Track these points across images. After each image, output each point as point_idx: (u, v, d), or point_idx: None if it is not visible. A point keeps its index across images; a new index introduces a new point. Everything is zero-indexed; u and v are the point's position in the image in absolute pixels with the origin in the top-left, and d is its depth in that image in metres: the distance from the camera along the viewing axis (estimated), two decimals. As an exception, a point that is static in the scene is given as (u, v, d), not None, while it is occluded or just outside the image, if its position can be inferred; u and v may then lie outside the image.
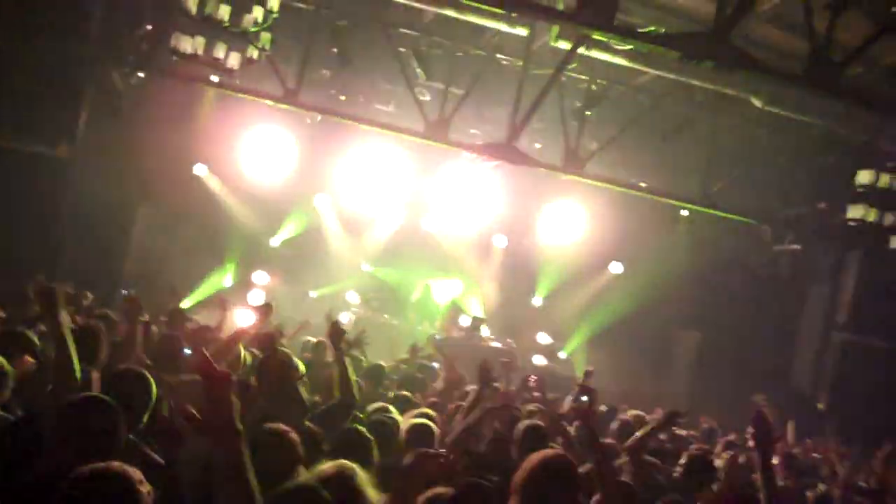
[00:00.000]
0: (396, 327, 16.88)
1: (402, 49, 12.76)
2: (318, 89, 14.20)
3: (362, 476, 4.19)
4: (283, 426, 4.69)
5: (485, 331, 18.33)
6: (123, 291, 11.42)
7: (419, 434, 6.03)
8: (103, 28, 12.40)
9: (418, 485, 3.91)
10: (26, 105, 11.85)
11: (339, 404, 6.25)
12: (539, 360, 17.94)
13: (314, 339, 10.46)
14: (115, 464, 3.24)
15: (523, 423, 6.55)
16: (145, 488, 3.21)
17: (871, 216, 12.88)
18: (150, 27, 12.51)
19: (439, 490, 4.04)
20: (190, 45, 11.19)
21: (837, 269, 15.74)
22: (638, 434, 6.25)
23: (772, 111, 12.14)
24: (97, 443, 3.88)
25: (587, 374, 10.63)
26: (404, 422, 6.32)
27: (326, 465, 4.23)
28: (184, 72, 12.38)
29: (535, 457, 4.33)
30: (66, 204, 13.06)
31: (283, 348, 6.93)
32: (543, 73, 11.91)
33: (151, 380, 5.05)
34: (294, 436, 4.62)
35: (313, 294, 18.10)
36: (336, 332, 6.80)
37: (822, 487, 7.36)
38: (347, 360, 6.60)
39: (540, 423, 6.75)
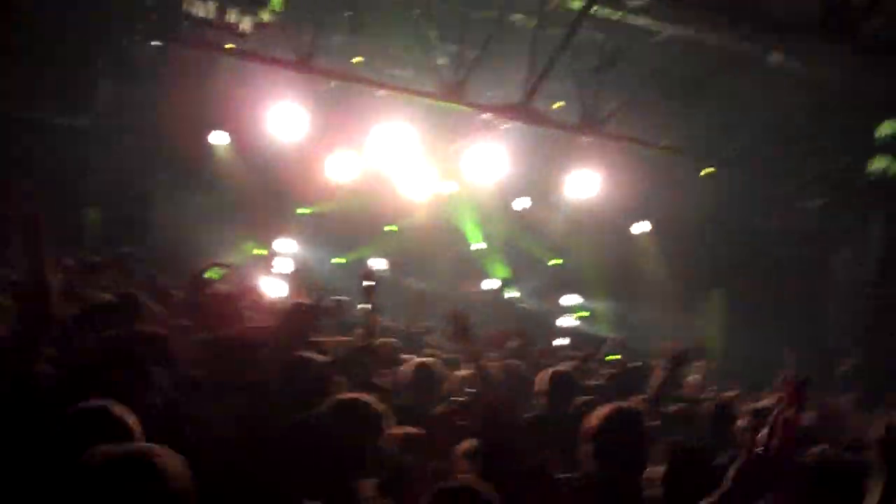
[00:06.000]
0: (431, 291, 16.73)
1: (416, 10, 12.59)
2: (330, 55, 14.06)
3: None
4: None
5: (513, 293, 18.35)
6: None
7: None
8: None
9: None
10: (37, 73, 12.01)
11: None
12: (566, 321, 17.94)
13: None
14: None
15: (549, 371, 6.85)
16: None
17: (894, 168, 12.77)
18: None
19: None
20: (202, 9, 11.33)
21: (863, 224, 15.49)
22: (653, 385, 6.54)
23: (788, 67, 11.95)
24: None
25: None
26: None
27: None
28: (195, 39, 12.44)
29: (607, 406, 4.74)
30: (88, 175, 13.20)
31: None
32: (558, 33, 11.80)
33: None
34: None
35: (335, 260, 18.07)
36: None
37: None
38: None
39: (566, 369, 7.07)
